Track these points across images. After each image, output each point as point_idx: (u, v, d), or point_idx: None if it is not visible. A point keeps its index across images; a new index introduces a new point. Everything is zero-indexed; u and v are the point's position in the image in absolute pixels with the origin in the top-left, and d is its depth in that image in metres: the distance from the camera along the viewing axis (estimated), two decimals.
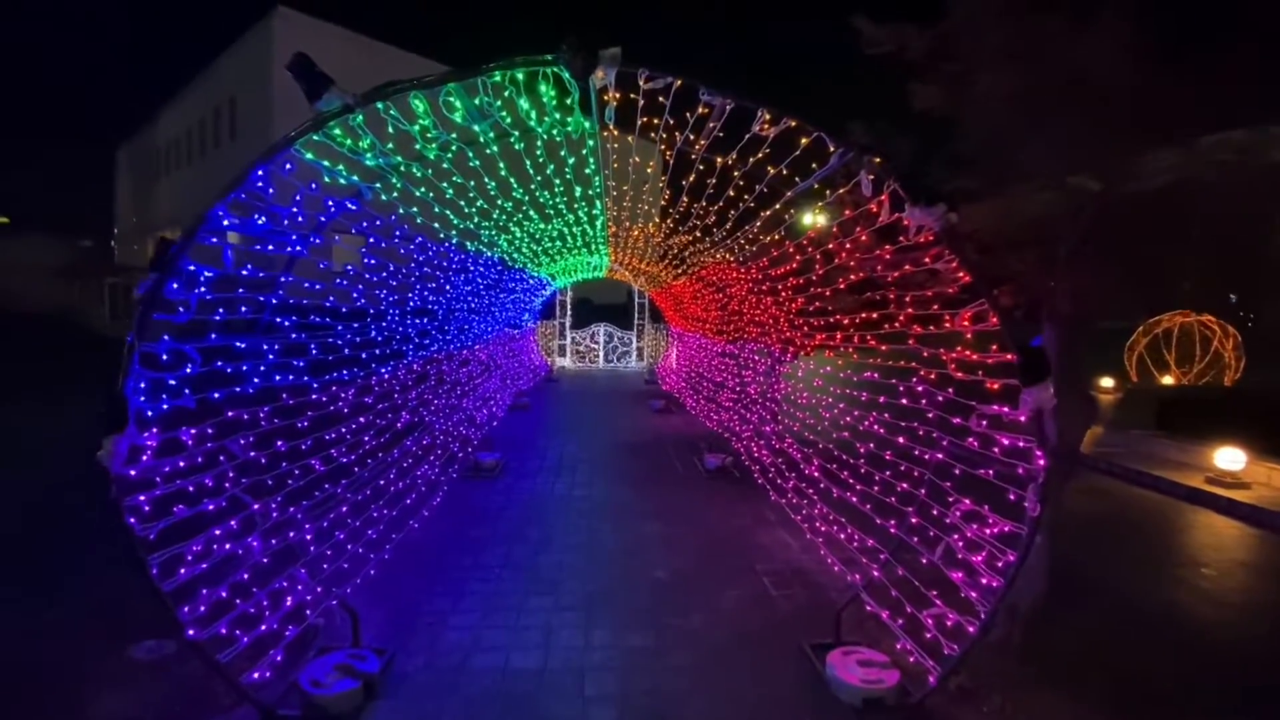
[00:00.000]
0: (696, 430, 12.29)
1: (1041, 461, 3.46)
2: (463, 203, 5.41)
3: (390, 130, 3.34)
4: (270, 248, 3.76)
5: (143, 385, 3.28)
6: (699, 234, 7.10)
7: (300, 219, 3.77)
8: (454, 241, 6.38)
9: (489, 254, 8.39)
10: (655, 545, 6.65)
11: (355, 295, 5.36)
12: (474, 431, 9.89)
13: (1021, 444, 3.63)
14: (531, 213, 6.57)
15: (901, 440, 5.03)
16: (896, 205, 3.39)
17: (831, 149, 3.32)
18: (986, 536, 3.88)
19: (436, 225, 5.62)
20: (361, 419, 6.27)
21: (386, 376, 6.99)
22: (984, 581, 3.73)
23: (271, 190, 3.37)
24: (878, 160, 3.28)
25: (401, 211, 4.89)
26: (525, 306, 16.15)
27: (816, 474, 6.52)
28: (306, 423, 5.16)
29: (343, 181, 3.71)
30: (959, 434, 4.34)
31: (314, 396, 5.25)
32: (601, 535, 6.93)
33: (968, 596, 3.85)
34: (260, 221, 3.50)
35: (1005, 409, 3.64)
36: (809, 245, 5.15)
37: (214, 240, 3.22)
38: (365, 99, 3.12)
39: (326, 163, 3.46)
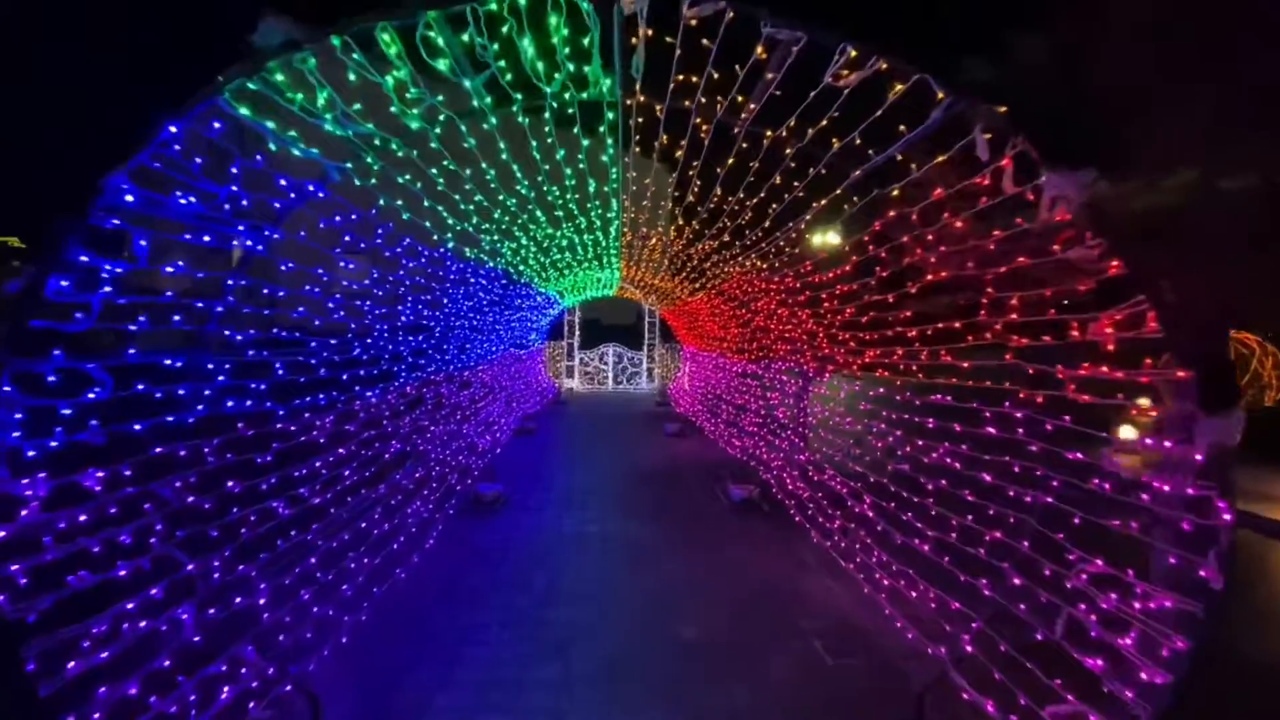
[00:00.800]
0: (716, 456, 11.36)
1: (1227, 516, 2.55)
2: (457, 197, 4.61)
3: (352, 78, 2.53)
4: (208, 239, 2.94)
5: (18, 416, 2.46)
6: (729, 237, 6.27)
7: (246, 203, 2.96)
8: (449, 246, 5.58)
9: (491, 265, 7.60)
10: (680, 595, 5.71)
11: (331, 307, 4.54)
12: (475, 460, 9.02)
13: (1182, 490, 2.73)
14: (539, 214, 5.77)
15: (989, 478, 4.12)
16: (1024, 171, 2.53)
17: (940, 95, 2.48)
18: (1134, 612, 2.95)
19: (428, 224, 4.81)
20: (341, 450, 5.43)
21: (374, 401, 6.16)
22: (1142, 676, 2.79)
23: (200, 160, 2.57)
24: (1002, 109, 2.44)
25: (384, 204, 4.09)
26: (532, 325, 15.37)
27: (870, 513, 5.60)
28: (270, 457, 4.32)
29: (297, 153, 2.90)
30: (1079, 472, 3.44)
31: (280, 426, 4.42)
32: (617, 582, 6.00)
33: (1116, 693, 2.91)
34: (187, 202, 2.69)
35: (1165, 442, 2.75)
36: (871, 240, 4.29)
37: (115, 222, 2.41)
38: (316, 32, 2.33)
39: (272, 124, 2.66)
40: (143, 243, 2.55)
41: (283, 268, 3.66)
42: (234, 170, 2.67)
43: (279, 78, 2.41)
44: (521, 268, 8.98)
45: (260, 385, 4.16)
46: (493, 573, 6.12)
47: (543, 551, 6.77)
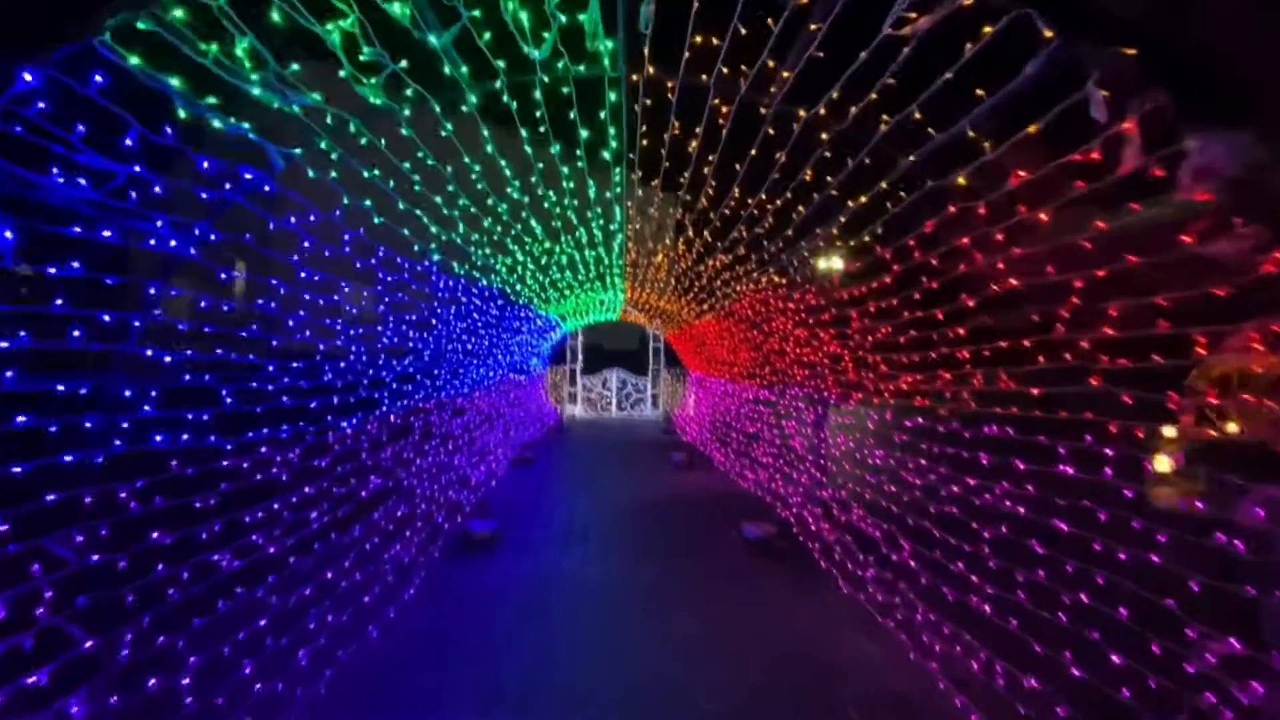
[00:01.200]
0: (727, 489, 10.63)
1: None
2: (439, 199, 4.03)
3: (276, 18, 1.96)
4: (108, 234, 2.35)
5: None
6: (744, 249, 5.68)
7: (159, 190, 2.37)
8: (435, 259, 5.01)
9: (485, 283, 7.04)
10: (695, 654, 4.97)
11: (293, 325, 3.94)
12: (467, 495, 8.33)
13: None
14: (534, 223, 5.21)
15: (1064, 527, 3.44)
16: (1156, 137, 1.93)
17: (1047, 35, 1.89)
18: None
19: (406, 231, 4.24)
20: (308, 489, 4.79)
21: (350, 432, 5.53)
22: None
23: (83, 127, 2.00)
24: (1130, 52, 1.85)
25: (348, 203, 3.52)
26: (533, 350, 14.79)
27: (910, 562, 4.89)
28: (213, 501, 3.68)
29: (217, 124, 2.32)
30: (1198, 527, 2.77)
31: (229, 464, 3.78)
32: (621, 638, 5.26)
33: None
34: (71, 183, 2.10)
35: None
36: (917, 245, 3.66)
37: None
38: None
39: (178, 83, 2.08)
40: (8, 234, 1.96)
41: (223, 276, 3.06)
42: (129, 143, 2.09)
43: (177, 14, 1.84)
44: (519, 287, 8.43)
45: (202, 416, 3.55)
46: (482, 626, 5.40)
47: (539, 599, 6.04)
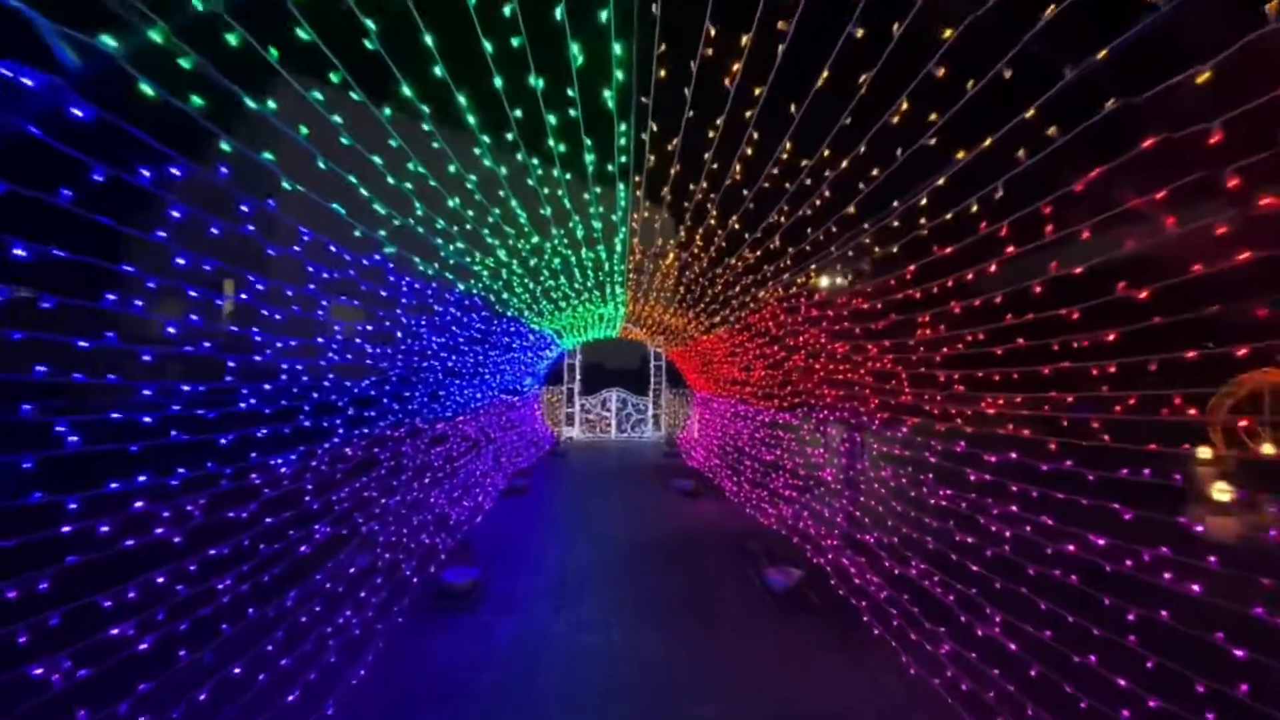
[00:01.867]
0: (741, 524, 9.48)
1: None
2: (390, 178, 2.97)
3: None
4: None
5: None
6: (778, 242, 4.64)
7: None
8: (386, 252, 3.93)
9: (463, 289, 5.98)
10: None
11: (174, 333, 2.84)
12: (444, 537, 7.17)
13: None
14: (514, 205, 4.14)
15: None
16: None
17: None
18: None
19: (340, 209, 3.17)
20: (221, 549, 3.67)
21: (286, 471, 4.42)
22: None
23: None
24: None
25: (229, 149, 2.45)
26: (527, 368, 13.69)
27: (1006, 639, 3.76)
28: (46, 585, 2.56)
29: None
30: None
31: (71, 528, 2.67)
32: None
33: None
34: None
35: None
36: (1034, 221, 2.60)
37: None
38: None
39: None
40: None
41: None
42: None
43: None
44: (506, 296, 7.37)
45: (25, 463, 2.45)
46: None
47: (525, 676, 4.88)
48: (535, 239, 5.14)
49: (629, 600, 6.52)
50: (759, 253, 6.04)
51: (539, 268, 6.23)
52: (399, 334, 5.37)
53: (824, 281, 5.63)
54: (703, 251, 6.60)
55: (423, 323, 5.89)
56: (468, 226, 4.27)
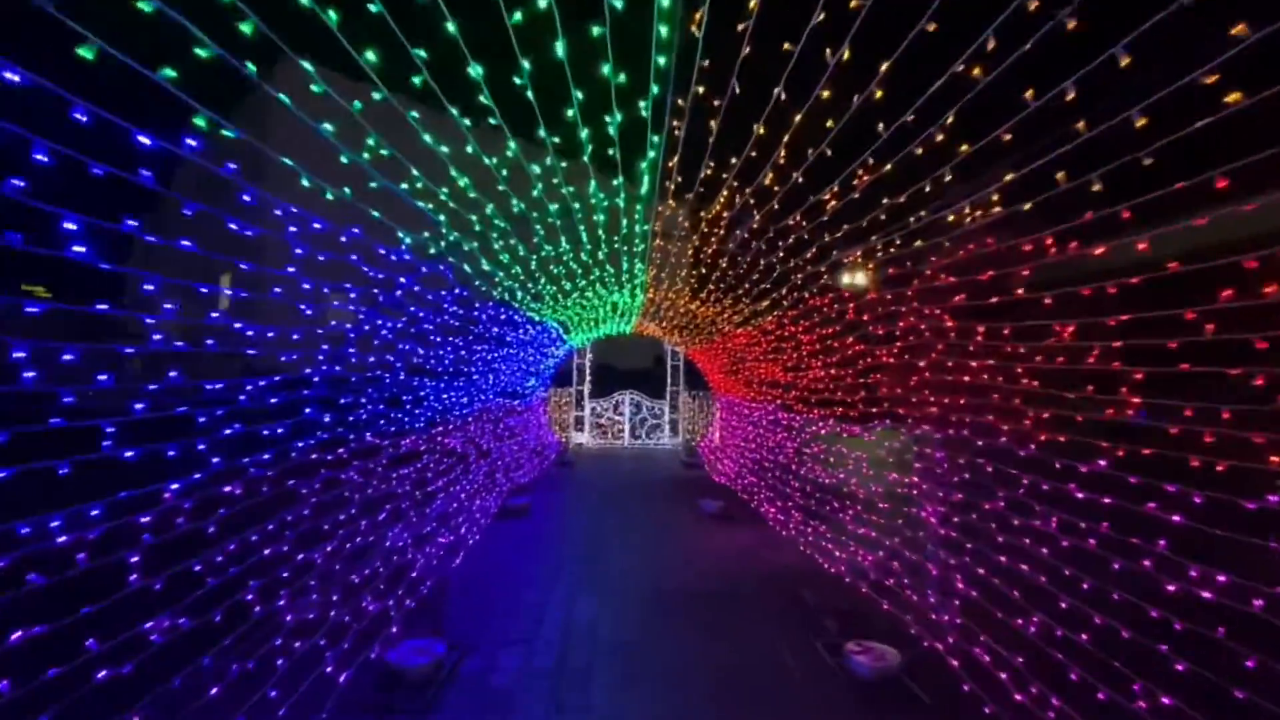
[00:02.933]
0: (789, 559, 7.61)
1: None
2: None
3: None
4: None
5: None
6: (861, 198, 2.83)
7: None
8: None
9: (449, 266, 4.18)
10: None
11: None
12: (400, 595, 5.33)
13: None
14: (512, 146, 2.34)
15: None
16: None
17: None
18: None
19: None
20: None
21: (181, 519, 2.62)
22: None
23: None
24: None
25: None
26: (529, 368, 11.88)
27: None
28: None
29: None
30: None
31: None
32: None
33: None
34: None
35: None
36: None
37: None
38: None
39: None
40: None
41: None
42: None
43: None
44: (499, 276, 5.57)
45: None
46: None
47: None
48: (536, 193, 3.34)
49: (654, 689, 4.67)
50: (838, 204, 4.20)
51: (539, 244, 4.42)
52: (353, 327, 3.58)
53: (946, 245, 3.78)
54: (756, 208, 4.77)
55: (377, 297, 4.11)
56: (455, 178, 2.48)
